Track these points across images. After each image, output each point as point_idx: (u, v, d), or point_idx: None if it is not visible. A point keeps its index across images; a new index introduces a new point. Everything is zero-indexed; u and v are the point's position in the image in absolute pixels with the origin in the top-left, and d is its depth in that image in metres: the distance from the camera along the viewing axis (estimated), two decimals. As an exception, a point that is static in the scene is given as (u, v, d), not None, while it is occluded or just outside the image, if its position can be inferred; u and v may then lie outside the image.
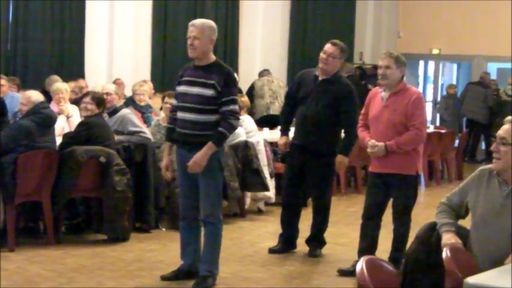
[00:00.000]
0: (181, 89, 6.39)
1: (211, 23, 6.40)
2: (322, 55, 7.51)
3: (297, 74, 8.09)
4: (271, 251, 7.77)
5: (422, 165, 7.00)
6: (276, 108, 13.07)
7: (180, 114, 6.40)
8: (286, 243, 7.82)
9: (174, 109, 6.61)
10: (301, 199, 8.10)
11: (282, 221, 7.88)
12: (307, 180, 7.68)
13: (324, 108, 7.44)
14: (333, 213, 8.01)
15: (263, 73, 14.11)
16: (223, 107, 6.24)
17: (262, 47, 16.10)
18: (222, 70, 6.31)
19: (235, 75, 12.51)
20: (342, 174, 11.44)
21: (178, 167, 6.57)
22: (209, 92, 6.23)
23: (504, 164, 4.46)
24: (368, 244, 6.91)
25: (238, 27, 15.91)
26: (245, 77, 14.66)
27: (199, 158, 6.22)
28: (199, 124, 6.27)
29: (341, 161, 7.51)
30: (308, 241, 7.80)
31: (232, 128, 6.31)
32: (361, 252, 6.73)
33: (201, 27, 6.30)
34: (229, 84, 6.29)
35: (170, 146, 6.67)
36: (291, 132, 7.92)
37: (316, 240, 7.78)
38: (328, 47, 7.53)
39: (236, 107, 6.33)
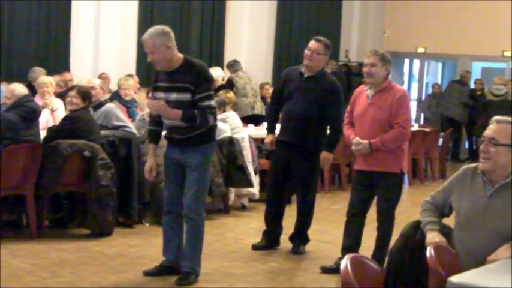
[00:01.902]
0: (160, 96, 6.36)
1: (160, 29, 6.25)
2: (306, 52, 7.52)
3: (282, 72, 8.09)
4: (255, 247, 7.77)
5: (407, 163, 7.01)
6: (258, 108, 12.91)
7: (166, 122, 6.43)
8: (269, 240, 7.82)
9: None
10: (286, 196, 8.11)
11: (266, 217, 7.88)
12: (292, 177, 7.68)
13: (310, 104, 7.44)
14: (317, 210, 8.02)
15: (235, 66, 13.34)
16: (199, 103, 6.22)
17: (249, 44, 16.08)
18: (193, 69, 6.27)
19: (220, 71, 12.58)
20: (326, 171, 11.44)
21: (166, 162, 6.57)
22: (187, 96, 6.22)
23: (494, 164, 4.47)
24: (352, 242, 6.92)
25: (224, 26, 15.87)
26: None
27: (163, 104, 6.22)
28: (184, 128, 6.28)
29: (325, 157, 7.52)
30: (291, 238, 7.80)
31: (205, 121, 6.26)
32: (345, 250, 6.75)
33: (151, 42, 6.20)
34: (202, 81, 6.25)
35: (154, 148, 6.63)
36: (277, 131, 7.92)
37: (300, 237, 7.78)
38: (312, 43, 7.55)
39: (212, 103, 6.31)
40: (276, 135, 7.83)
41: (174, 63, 6.28)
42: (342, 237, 7.04)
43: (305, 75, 7.55)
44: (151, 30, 6.28)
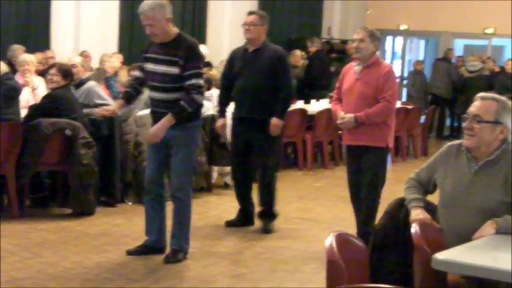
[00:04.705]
0: (149, 67, 6.35)
1: (160, 1, 6.20)
2: (243, 27, 7.57)
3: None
4: (228, 223, 7.80)
5: (393, 138, 7.04)
6: None
7: (151, 93, 6.41)
8: (243, 217, 7.83)
9: (135, 78, 6.62)
10: (252, 173, 8.03)
11: (236, 196, 7.92)
12: (253, 152, 7.68)
13: (260, 77, 7.47)
14: (299, 188, 8.05)
15: None
16: (186, 81, 6.18)
17: (231, 23, 15.94)
18: (184, 44, 6.24)
19: (204, 48, 12.52)
20: (310, 149, 11.44)
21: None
22: (175, 70, 6.18)
23: (478, 141, 4.45)
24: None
25: (206, 5, 15.78)
26: (215, 51, 14.60)
27: (157, 129, 6.21)
28: (169, 102, 6.24)
29: (275, 123, 7.50)
30: (259, 216, 7.77)
31: (194, 102, 6.21)
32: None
33: (152, 14, 6.15)
34: (191, 58, 6.21)
35: (121, 102, 6.60)
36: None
37: (267, 215, 7.74)
38: (247, 17, 7.61)
39: (199, 81, 6.24)
40: (226, 119, 7.85)
41: (167, 36, 6.24)
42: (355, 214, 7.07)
43: (249, 50, 7.56)
44: (150, 1, 6.19)
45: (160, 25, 6.18)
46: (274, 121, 7.49)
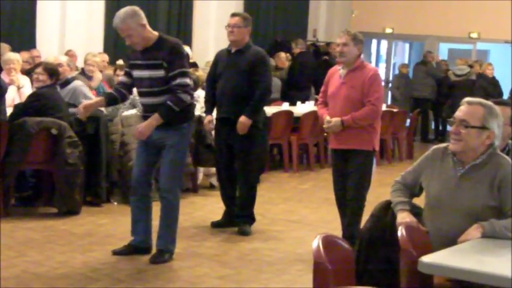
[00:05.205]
0: (135, 74, 6.37)
1: (129, 11, 6.23)
2: (227, 29, 7.59)
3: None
4: (213, 224, 7.81)
5: (378, 141, 7.08)
6: None
7: (141, 99, 6.47)
8: (229, 218, 7.83)
9: (119, 83, 6.62)
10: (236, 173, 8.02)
11: (222, 198, 7.93)
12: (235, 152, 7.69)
13: (239, 77, 7.49)
14: (285, 190, 8.06)
15: None
16: (171, 81, 6.19)
17: (217, 22, 15.94)
18: (166, 46, 6.25)
19: (188, 50, 12.51)
20: (295, 151, 11.46)
21: (140, 142, 6.52)
22: (160, 73, 6.20)
23: (465, 145, 4.48)
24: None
25: (192, 3, 15.77)
26: (201, 52, 14.58)
27: (144, 127, 6.24)
28: (158, 106, 6.24)
29: (242, 121, 7.47)
30: (237, 217, 7.77)
31: (180, 101, 6.22)
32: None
33: (125, 26, 6.20)
34: (174, 58, 6.22)
35: (102, 99, 6.66)
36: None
37: (244, 216, 7.74)
38: (230, 19, 7.63)
39: (184, 80, 6.24)
40: (212, 116, 7.86)
41: (147, 41, 6.25)
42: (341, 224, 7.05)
43: (232, 51, 7.61)
44: (121, 14, 6.23)
45: (137, 33, 6.20)
46: (242, 119, 7.47)
